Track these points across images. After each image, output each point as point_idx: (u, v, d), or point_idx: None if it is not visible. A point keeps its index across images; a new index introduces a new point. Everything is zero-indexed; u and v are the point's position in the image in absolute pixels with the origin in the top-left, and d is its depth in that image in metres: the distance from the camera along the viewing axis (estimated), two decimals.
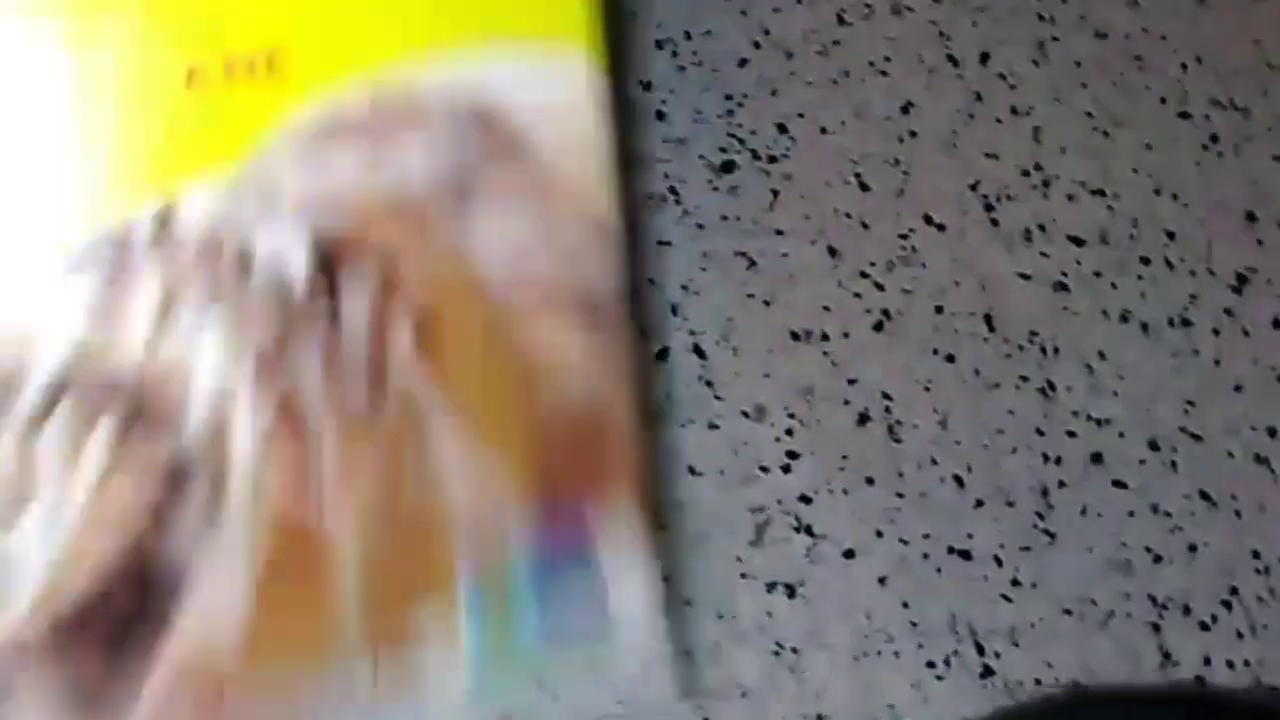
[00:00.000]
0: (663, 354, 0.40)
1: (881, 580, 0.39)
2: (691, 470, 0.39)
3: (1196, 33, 0.42)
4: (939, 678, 0.38)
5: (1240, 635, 0.38)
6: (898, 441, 0.39)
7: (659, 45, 0.41)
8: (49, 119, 0.25)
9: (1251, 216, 0.41)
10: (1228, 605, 0.38)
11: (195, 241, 0.27)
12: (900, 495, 0.39)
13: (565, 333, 0.29)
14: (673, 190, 0.40)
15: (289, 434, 0.28)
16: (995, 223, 0.41)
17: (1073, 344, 0.40)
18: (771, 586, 0.39)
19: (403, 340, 0.28)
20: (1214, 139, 0.41)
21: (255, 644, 0.28)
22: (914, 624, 0.39)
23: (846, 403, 0.39)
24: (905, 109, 0.42)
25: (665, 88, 0.41)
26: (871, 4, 0.42)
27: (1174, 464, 0.39)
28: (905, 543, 0.39)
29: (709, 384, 0.40)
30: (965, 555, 0.39)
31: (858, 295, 0.40)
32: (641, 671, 0.34)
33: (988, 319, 0.40)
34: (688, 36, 0.41)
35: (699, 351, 0.40)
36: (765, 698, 0.38)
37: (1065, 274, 0.40)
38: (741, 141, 0.41)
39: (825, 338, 0.40)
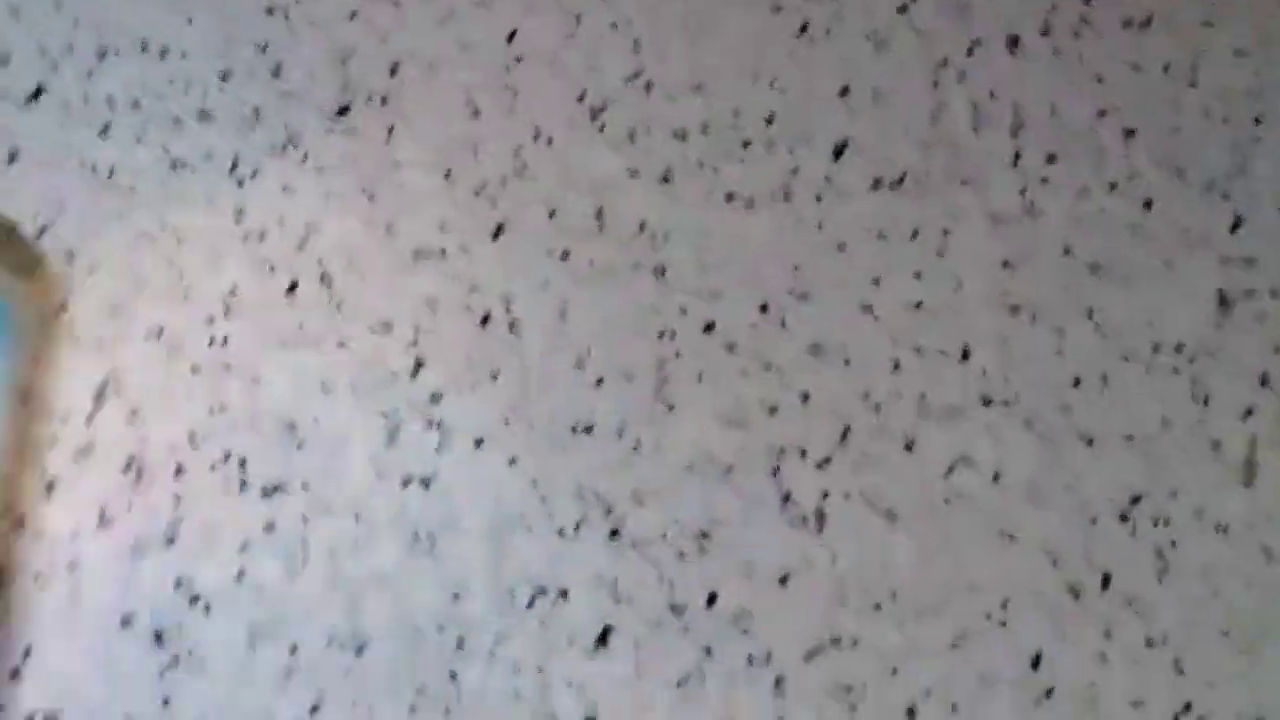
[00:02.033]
0: (292, 287, 0.42)
1: (511, 462, 0.41)
2: (323, 387, 0.41)
3: None
4: (570, 544, 0.40)
5: (855, 470, 0.40)
6: (519, 337, 0.42)
7: (269, 12, 0.44)
8: None
9: (845, 91, 0.44)
10: (843, 443, 0.40)
11: None
12: (524, 385, 0.41)
13: None
14: (291, 140, 0.43)
15: None
16: (602, 129, 0.44)
17: (681, 229, 0.42)
18: (406, 482, 0.41)
19: None
20: (804, 27, 0.44)
21: None
22: (544, 499, 0.41)
23: (469, 309, 0.42)
24: (510, 37, 0.45)
25: (280, 48, 0.44)
26: None
27: (784, 322, 0.42)
28: (531, 427, 0.41)
29: (338, 307, 0.42)
30: (589, 430, 0.41)
31: (474, 213, 0.43)
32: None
33: (599, 215, 0.43)
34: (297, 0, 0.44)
35: (325, 281, 0.42)
36: (409, 582, 0.40)
37: (670, 167, 0.43)
38: (356, 87, 0.44)
39: (444, 254, 0.42)
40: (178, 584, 0.39)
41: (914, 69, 0.43)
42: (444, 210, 0.42)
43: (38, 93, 0.44)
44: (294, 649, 0.39)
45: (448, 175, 0.43)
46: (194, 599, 0.39)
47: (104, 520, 0.40)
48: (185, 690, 0.38)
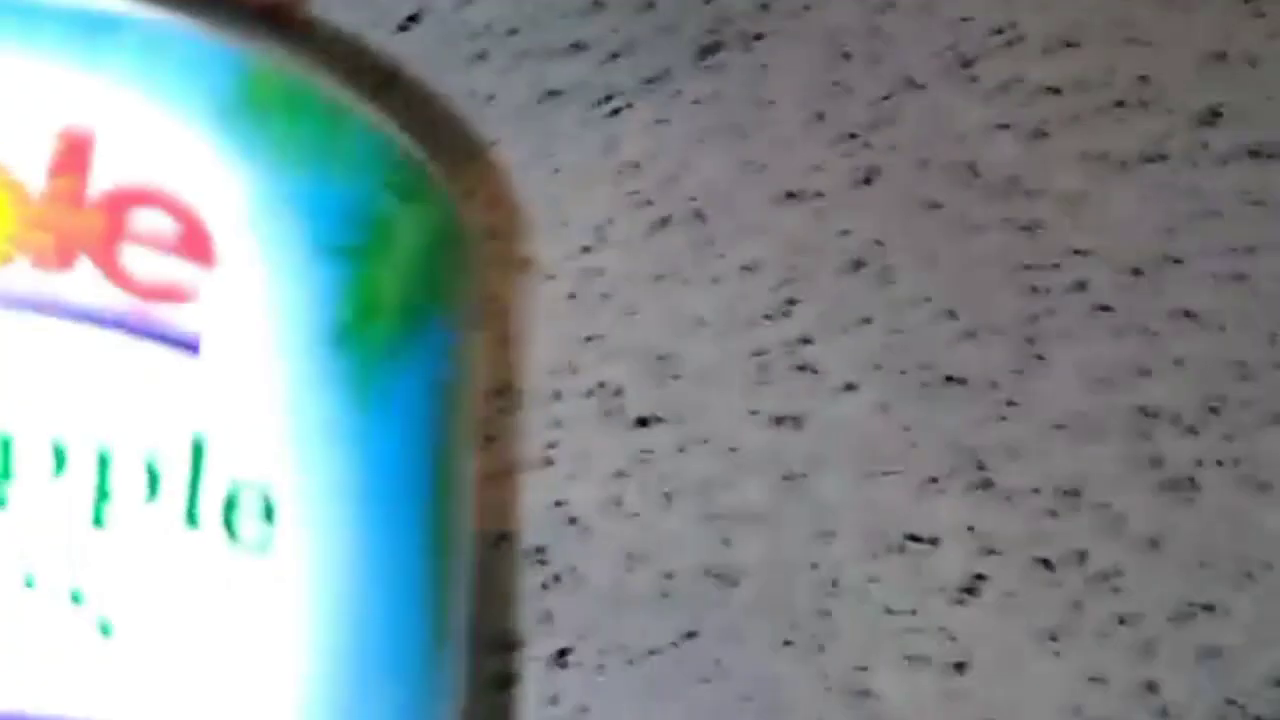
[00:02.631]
0: (664, 221, 0.42)
1: (883, 408, 0.41)
2: (697, 322, 0.42)
3: None
4: (940, 492, 0.40)
5: (1227, 438, 0.40)
6: (890, 284, 0.42)
7: None
8: None
9: (1221, 55, 0.44)
10: (1214, 411, 0.41)
11: None
12: (895, 333, 0.42)
13: None
14: (663, 75, 0.43)
15: None
16: (973, 79, 0.44)
17: (1052, 185, 0.42)
18: (778, 420, 0.41)
19: None
20: None
21: None
22: (914, 445, 0.41)
23: (840, 253, 0.42)
24: None
25: None
26: None
27: (1156, 285, 0.42)
28: (903, 374, 0.41)
29: (709, 243, 0.42)
30: (962, 381, 0.41)
31: (845, 156, 0.43)
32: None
33: (970, 167, 0.43)
34: None
35: (698, 216, 0.42)
36: (780, 519, 0.40)
37: (1043, 121, 0.43)
38: (726, 24, 0.44)
39: (816, 196, 0.43)
40: (555, 505, 0.40)
41: None
42: (815, 152, 0.43)
43: (413, 18, 0.44)
44: (668, 575, 0.39)
45: (820, 118, 0.43)
46: (571, 520, 0.40)
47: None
48: (564, 606, 0.39)
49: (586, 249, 0.42)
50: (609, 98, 0.43)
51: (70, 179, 0.15)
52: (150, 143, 0.16)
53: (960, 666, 0.39)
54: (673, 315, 0.41)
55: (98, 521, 0.14)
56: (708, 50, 0.43)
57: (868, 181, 0.42)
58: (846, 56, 0.43)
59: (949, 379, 0.40)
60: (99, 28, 0.16)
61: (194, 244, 0.16)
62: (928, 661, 0.39)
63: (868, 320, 0.41)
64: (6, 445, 0.14)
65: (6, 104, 0.15)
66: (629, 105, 0.42)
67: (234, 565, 0.15)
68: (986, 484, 0.40)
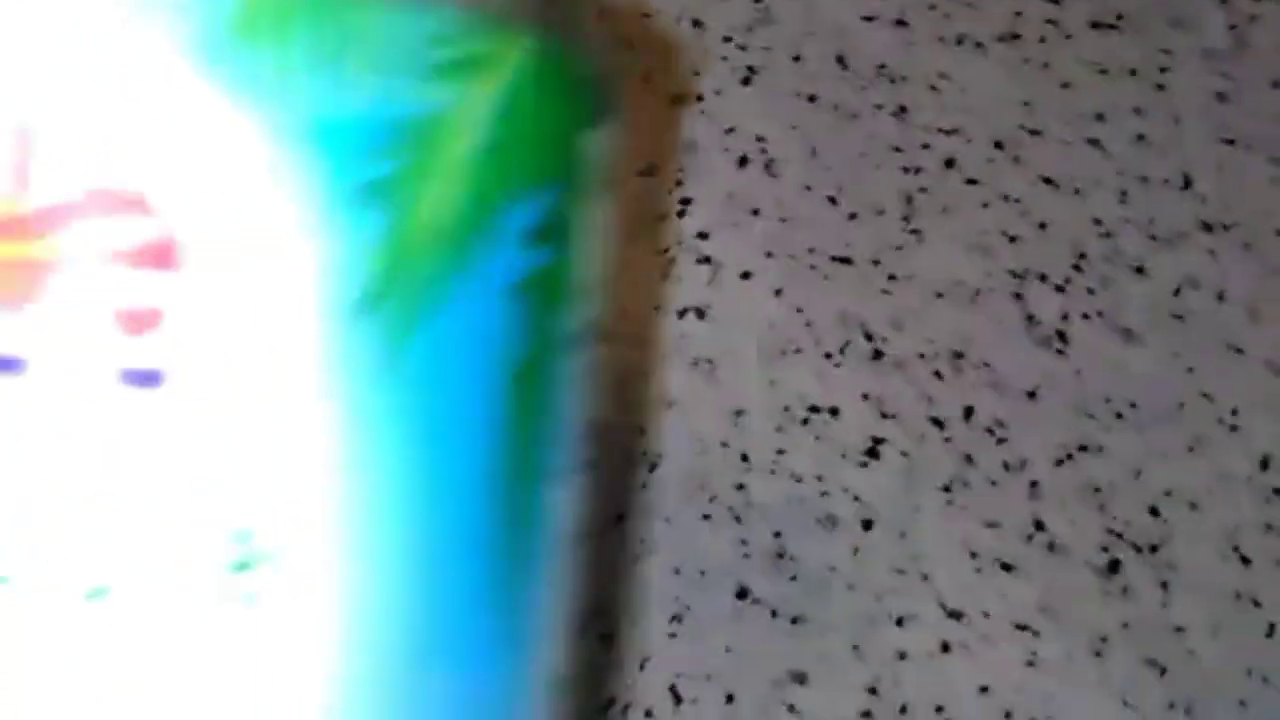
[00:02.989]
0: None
1: (777, 293, 0.44)
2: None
3: None
4: (837, 366, 0.44)
5: (1092, 293, 0.44)
6: (774, 177, 0.45)
7: None
8: None
9: None
10: (1078, 268, 0.44)
11: None
12: (783, 221, 0.45)
13: None
14: None
15: None
16: None
17: (917, 71, 0.45)
18: (682, 312, 0.44)
19: None
20: None
21: None
22: (809, 324, 0.44)
23: (726, 150, 0.45)
24: None
25: None
26: None
27: (1018, 157, 0.45)
28: (794, 258, 0.45)
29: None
30: (847, 261, 0.44)
31: (724, 60, 0.46)
32: None
33: (840, 60, 0.46)
34: None
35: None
36: (693, 404, 0.43)
37: (904, 9, 0.46)
38: None
39: (700, 98, 0.46)
40: None
41: None
42: (696, 58, 0.45)
43: None
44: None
45: (696, 24, 0.46)
46: None
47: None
48: None
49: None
50: None
51: (23, 193, 0.14)
52: (113, 126, 0.14)
53: (867, 524, 0.42)
54: None
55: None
56: None
57: (747, 81, 0.45)
58: None
59: (835, 259, 0.44)
60: None
61: (163, 252, 0.14)
62: (836, 522, 0.42)
63: (756, 211, 0.44)
64: None
65: None
66: None
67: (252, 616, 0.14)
68: (878, 354, 0.43)
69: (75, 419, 0.13)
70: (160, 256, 0.14)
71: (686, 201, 0.44)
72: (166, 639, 0.14)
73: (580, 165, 0.18)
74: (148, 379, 0.14)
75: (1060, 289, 0.43)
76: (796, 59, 0.44)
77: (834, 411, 0.43)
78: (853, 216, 0.43)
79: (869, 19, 0.44)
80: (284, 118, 0.14)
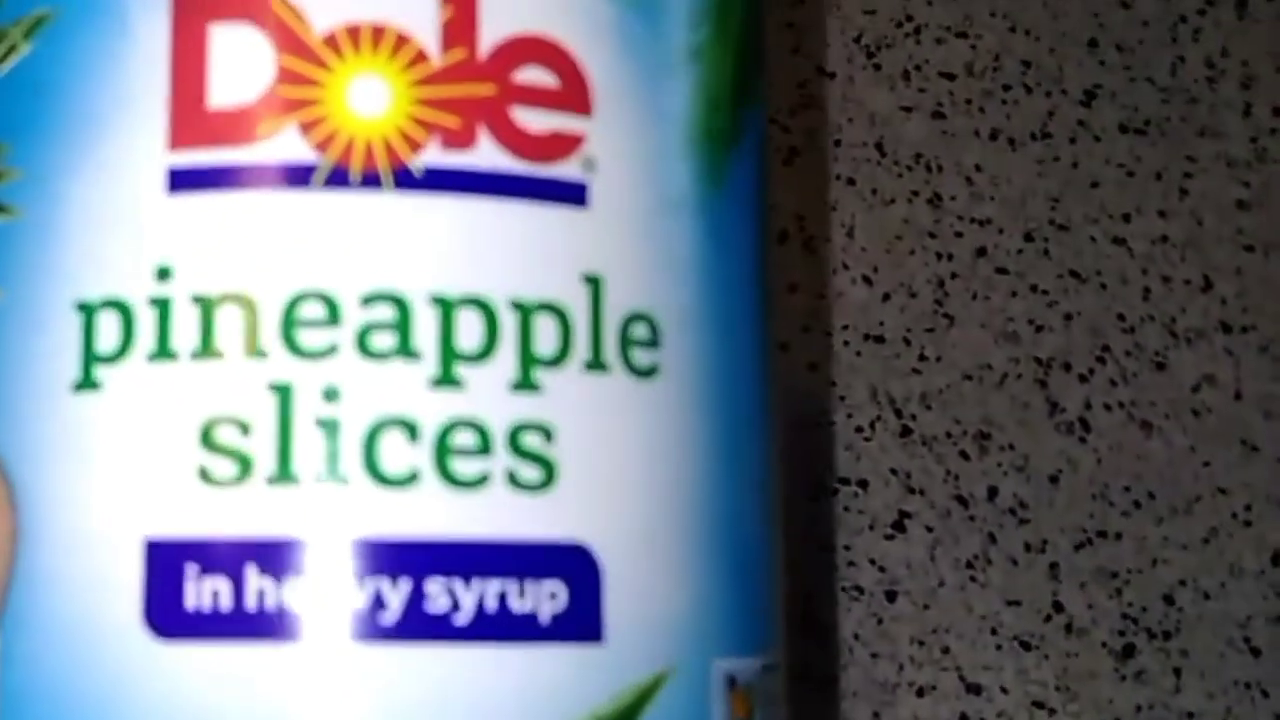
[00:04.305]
0: None
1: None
2: None
3: None
4: (866, 440, 0.45)
5: (1114, 384, 0.45)
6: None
7: None
8: None
9: (1093, 42, 0.48)
10: (1101, 360, 0.45)
11: None
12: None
13: None
14: None
15: None
16: (878, 67, 0.48)
17: (952, 162, 0.47)
18: None
19: None
20: None
21: None
22: (842, 399, 0.45)
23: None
24: None
25: None
26: None
27: (1046, 250, 0.46)
28: (827, 335, 0.45)
29: None
30: (879, 340, 0.45)
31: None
32: None
33: (879, 146, 0.47)
34: None
35: None
36: None
37: (941, 105, 0.47)
38: None
39: None
40: None
41: (1155, 23, 0.48)
42: None
43: None
44: None
45: None
46: None
47: None
48: None
49: None
50: None
51: (463, 46, 0.16)
52: None
53: (891, 595, 0.43)
54: None
55: (527, 383, 0.16)
56: None
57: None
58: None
59: (868, 337, 0.44)
60: None
61: (574, 94, 0.17)
62: (862, 591, 0.43)
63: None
64: (449, 315, 0.16)
65: None
66: None
67: (633, 396, 0.17)
68: (906, 431, 0.44)
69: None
70: (574, 99, 0.17)
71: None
72: None
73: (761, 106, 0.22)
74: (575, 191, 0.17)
75: (1084, 379, 0.44)
76: (837, 143, 0.45)
77: (863, 484, 0.43)
78: (886, 297, 0.44)
79: (907, 109, 0.45)
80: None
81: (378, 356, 0.15)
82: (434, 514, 0.15)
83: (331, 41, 0.16)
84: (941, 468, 0.43)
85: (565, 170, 0.17)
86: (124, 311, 0.16)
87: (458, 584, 0.15)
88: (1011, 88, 0.46)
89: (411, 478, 0.15)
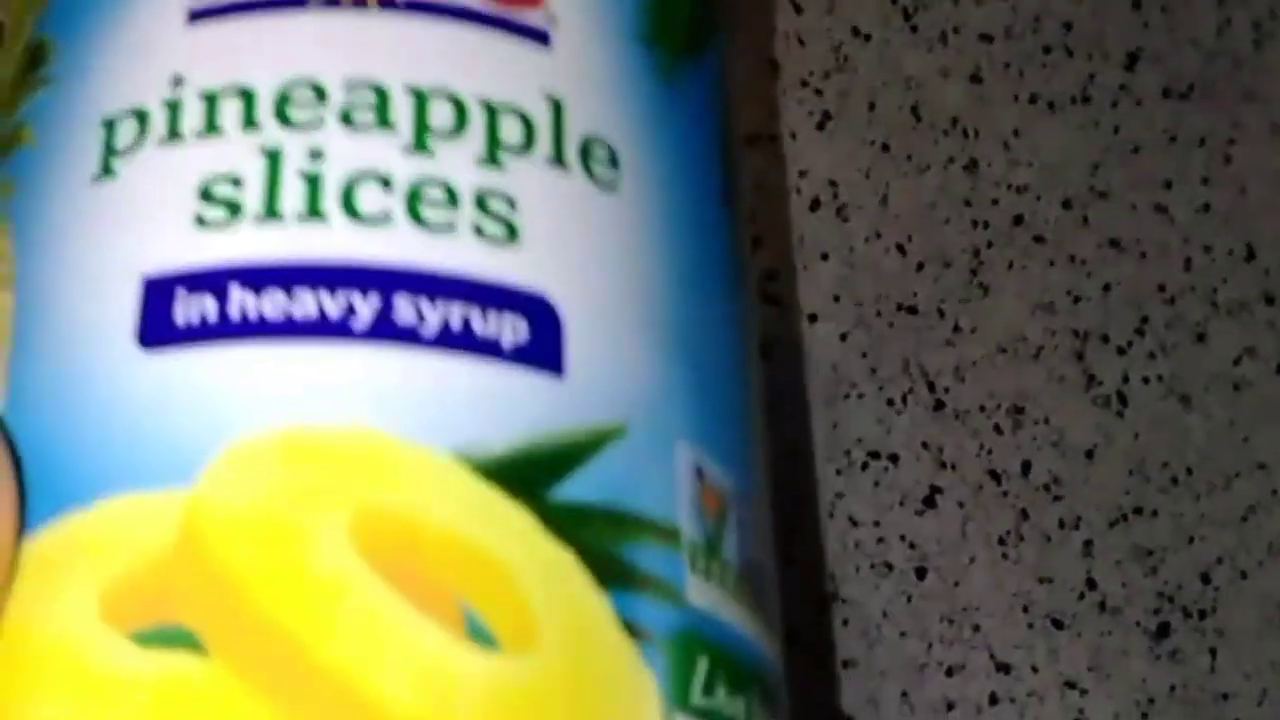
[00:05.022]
0: None
1: (843, 337, 0.44)
2: None
3: None
4: (898, 412, 0.43)
5: (1152, 356, 0.44)
6: (845, 221, 0.45)
7: None
8: None
9: (1136, 4, 0.47)
10: (1140, 332, 0.44)
11: None
12: (851, 266, 0.45)
13: None
14: None
15: None
16: (915, 29, 0.46)
17: (990, 127, 0.45)
18: None
19: None
20: None
21: None
22: (873, 370, 0.44)
23: (798, 192, 0.45)
24: None
25: None
26: None
27: (1085, 219, 0.45)
28: (859, 304, 0.44)
29: None
30: (912, 310, 0.44)
31: (799, 102, 0.46)
32: None
33: (914, 111, 0.46)
34: None
35: None
36: None
37: (979, 68, 0.46)
38: None
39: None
40: None
41: None
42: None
43: None
44: None
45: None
46: None
47: None
48: None
49: None
50: None
51: None
52: None
53: (921, 572, 0.42)
54: None
55: (493, 160, 0.18)
56: None
57: (821, 126, 0.45)
58: (799, 10, 0.45)
59: (901, 307, 0.43)
60: None
61: None
62: (891, 568, 0.42)
63: (825, 256, 0.44)
64: (424, 101, 0.18)
65: None
66: None
67: (593, 199, 0.19)
68: (939, 404, 0.43)
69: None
70: None
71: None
72: None
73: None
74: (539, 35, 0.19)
75: (1122, 351, 0.43)
76: (871, 107, 0.44)
77: (894, 458, 0.42)
78: (920, 267, 0.43)
79: (944, 73, 0.44)
80: None
81: (358, 127, 0.18)
82: (403, 246, 0.17)
83: None
84: (974, 442, 0.42)
85: (531, 18, 0.19)
86: (140, 116, 0.18)
87: (423, 301, 0.17)
88: (1052, 50, 0.45)
89: (384, 218, 0.17)
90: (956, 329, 0.42)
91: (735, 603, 0.18)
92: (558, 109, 0.18)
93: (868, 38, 0.45)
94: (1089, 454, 0.42)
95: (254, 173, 0.17)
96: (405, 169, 0.17)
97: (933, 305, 0.42)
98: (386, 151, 0.17)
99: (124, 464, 0.16)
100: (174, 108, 0.18)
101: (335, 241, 0.17)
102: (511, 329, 0.17)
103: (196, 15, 0.18)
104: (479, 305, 0.17)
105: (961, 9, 0.45)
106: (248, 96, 0.18)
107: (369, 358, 0.16)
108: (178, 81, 0.18)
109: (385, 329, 0.16)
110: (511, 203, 0.18)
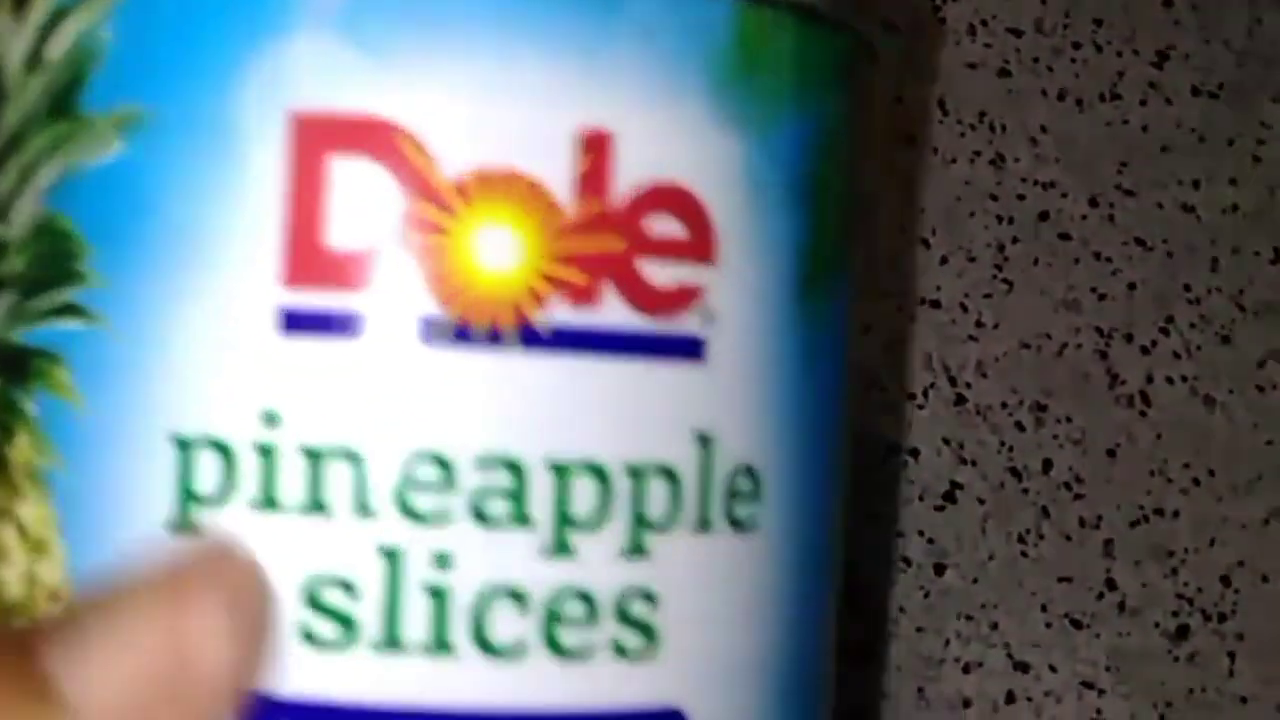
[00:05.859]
0: None
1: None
2: None
3: None
4: (919, 408, 0.43)
5: (1177, 357, 0.43)
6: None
7: None
8: None
9: (1168, 2, 0.46)
10: (1165, 331, 0.43)
11: None
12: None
13: None
14: None
15: None
16: (943, 21, 0.46)
17: (1017, 121, 0.45)
18: None
19: None
20: None
21: None
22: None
23: None
24: None
25: None
26: None
27: (1112, 217, 0.44)
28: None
29: None
30: (935, 305, 0.44)
31: None
32: None
33: (940, 104, 0.45)
34: None
35: None
36: None
37: (1008, 62, 0.46)
38: None
39: None
40: None
41: None
42: None
43: None
44: None
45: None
46: None
47: None
48: None
49: None
50: None
51: (597, 197, 0.15)
52: (656, 131, 0.15)
53: (940, 568, 0.41)
54: None
55: (635, 551, 0.16)
56: None
57: None
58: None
59: (925, 301, 0.43)
60: (603, 7, 0.15)
61: (701, 244, 0.16)
62: (909, 563, 0.41)
63: None
64: (564, 473, 0.15)
65: (526, 110, 0.15)
66: None
67: (735, 552, 0.16)
68: (960, 399, 0.42)
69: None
70: (700, 248, 0.16)
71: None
72: None
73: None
74: (693, 347, 0.16)
75: (1146, 351, 0.42)
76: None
77: (914, 453, 0.42)
78: (944, 261, 0.43)
79: (972, 65, 0.43)
80: (767, 136, 0.16)
81: (491, 522, 0.15)
82: (539, 683, 0.15)
83: (462, 187, 0.15)
84: (996, 438, 0.41)
85: (686, 324, 0.16)
86: (225, 453, 0.15)
87: None
88: (1081, 46, 0.44)
89: (519, 649, 0.15)
90: (980, 324, 0.42)
91: None
92: (708, 450, 0.16)
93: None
94: (1111, 453, 0.41)
95: (372, 580, 0.14)
96: (543, 579, 0.15)
97: (956, 300, 0.42)
98: (524, 557, 0.15)
99: None
100: (268, 457, 0.14)
101: (465, 680, 0.15)
102: None
103: (294, 322, 0.15)
104: None
105: (991, 1, 0.45)
106: (359, 464, 0.14)
107: None
108: (270, 419, 0.15)
109: None
110: (652, 599, 0.16)
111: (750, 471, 0.17)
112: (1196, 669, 0.39)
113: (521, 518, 0.15)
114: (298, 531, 0.15)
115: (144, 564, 0.14)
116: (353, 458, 0.15)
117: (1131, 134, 0.43)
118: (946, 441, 0.40)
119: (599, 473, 0.15)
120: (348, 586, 0.15)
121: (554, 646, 0.15)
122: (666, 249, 0.16)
